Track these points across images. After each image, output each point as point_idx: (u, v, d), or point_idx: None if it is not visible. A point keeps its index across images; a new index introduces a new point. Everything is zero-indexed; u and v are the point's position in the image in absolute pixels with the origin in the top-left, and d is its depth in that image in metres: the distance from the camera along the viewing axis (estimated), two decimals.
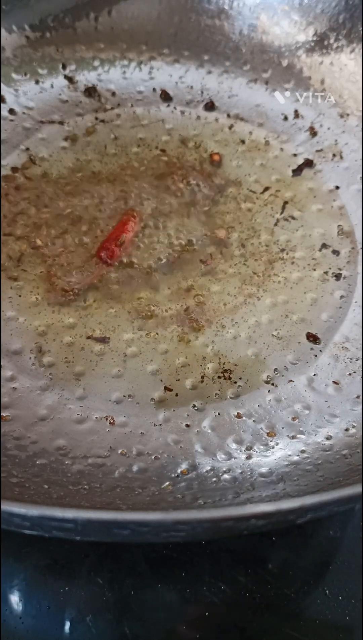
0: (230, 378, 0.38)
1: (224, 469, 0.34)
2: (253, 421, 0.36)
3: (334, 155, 0.50)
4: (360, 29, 0.51)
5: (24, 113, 0.50)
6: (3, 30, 0.51)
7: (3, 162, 0.47)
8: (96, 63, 0.53)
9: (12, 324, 0.39)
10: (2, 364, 0.37)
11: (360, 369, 0.39)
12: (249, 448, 0.35)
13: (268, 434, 0.36)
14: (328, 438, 0.35)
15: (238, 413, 0.36)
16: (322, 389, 0.38)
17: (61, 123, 0.50)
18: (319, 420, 0.36)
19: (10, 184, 0.46)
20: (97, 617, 0.33)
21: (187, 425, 0.36)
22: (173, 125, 0.51)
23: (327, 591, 0.35)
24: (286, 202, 0.47)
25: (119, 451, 0.34)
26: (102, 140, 0.49)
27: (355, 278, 0.43)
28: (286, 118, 0.52)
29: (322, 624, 0.34)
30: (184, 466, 0.34)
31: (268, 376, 0.38)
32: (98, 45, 0.53)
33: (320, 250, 0.44)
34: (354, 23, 0.51)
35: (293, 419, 0.36)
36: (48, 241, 0.43)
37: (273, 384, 0.38)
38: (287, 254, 0.44)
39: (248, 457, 0.35)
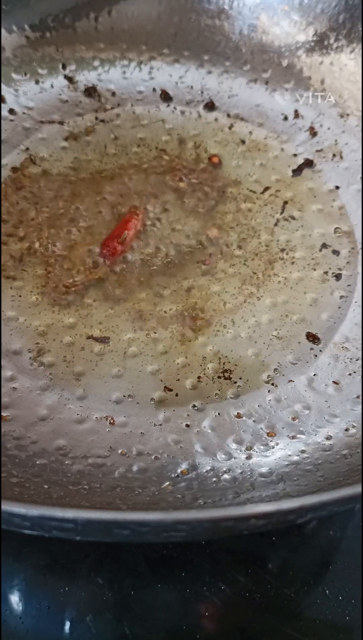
0: (230, 378, 0.38)
1: (224, 469, 0.34)
2: (253, 421, 0.36)
3: (334, 155, 0.50)
4: (360, 29, 0.51)
5: (24, 113, 0.50)
6: (3, 30, 0.51)
7: (3, 162, 0.47)
8: (96, 63, 0.53)
9: (12, 324, 0.39)
10: (2, 364, 0.37)
11: (360, 369, 0.39)
12: (249, 448, 0.35)
13: (268, 434, 0.36)
14: (328, 438, 0.35)
15: (238, 413, 0.36)
16: (322, 389, 0.38)
17: (61, 123, 0.50)
18: (319, 420, 0.36)
19: (10, 184, 0.46)
20: (97, 617, 0.33)
21: (187, 425, 0.36)
22: (173, 125, 0.51)
23: (327, 591, 0.35)
24: (286, 202, 0.47)
25: (119, 451, 0.34)
26: (102, 140, 0.49)
27: (355, 278, 0.43)
28: (286, 118, 0.52)
29: (322, 624, 0.34)
30: (184, 466, 0.34)
31: (268, 376, 0.38)
32: (98, 45, 0.53)
33: (320, 250, 0.44)
34: (354, 23, 0.51)
35: (293, 419, 0.36)
36: (48, 241, 0.43)
37: (273, 384, 0.38)
38: (287, 254, 0.44)
39: (248, 457, 0.35)
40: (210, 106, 0.52)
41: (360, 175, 0.48)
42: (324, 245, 0.45)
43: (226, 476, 0.33)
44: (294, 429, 0.36)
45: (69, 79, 0.52)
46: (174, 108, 0.52)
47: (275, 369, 0.38)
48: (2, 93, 0.50)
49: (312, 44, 0.53)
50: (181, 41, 0.54)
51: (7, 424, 0.35)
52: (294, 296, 0.42)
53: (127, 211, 0.44)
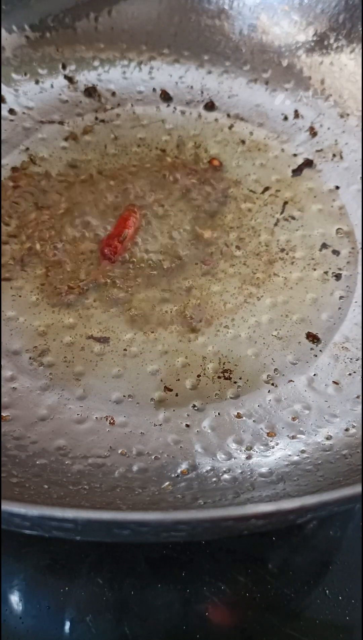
0: (230, 378, 0.38)
1: (224, 469, 0.34)
2: (253, 421, 0.36)
3: (334, 155, 0.50)
4: (360, 29, 0.51)
5: (24, 113, 0.50)
6: (3, 30, 0.51)
7: (3, 162, 0.47)
8: (96, 63, 0.53)
9: (12, 324, 0.39)
10: (2, 364, 0.37)
11: (360, 369, 0.39)
12: (249, 448, 0.35)
13: (268, 434, 0.36)
14: (328, 438, 0.35)
15: (238, 413, 0.36)
16: (322, 389, 0.38)
17: (61, 123, 0.50)
18: (319, 420, 0.36)
19: (11, 184, 0.46)
20: (97, 617, 0.33)
21: (187, 425, 0.36)
22: (173, 125, 0.51)
23: (327, 591, 0.35)
24: (286, 202, 0.47)
25: (119, 451, 0.34)
26: (102, 140, 0.49)
27: (355, 278, 0.43)
28: (286, 118, 0.52)
29: (322, 624, 0.34)
30: (184, 466, 0.34)
31: (268, 376, 0.38)
32: (98, 45, 0.53)
33: (320, 250, 0.44)
34: (354, 23, 0.51)
35: (293, 419, 0.36)
36: (48, 241, 0.43)
37: (273, 384, 0.38)
38: (287, 254, 0.44)
39: (248, 457, 0.35)
40: (210, 106, 0.52)
41: (360, 175, 0.48)
42: (324, 245, 0.45)
43: (226, 476, 0.33)
44: (294, 429, 0.36)
45: (69, 79, 0.52)
46: (174, 108, 0.52)
47: (275, 369, 0.38)
48: (2, 93, 0.50)
49: (312, 44, 0.53)
50: (181, 41, 0.54)
51: (7, 424, 0.35)
52: (294, 296, 0.42)
53: (125, 209, 0.44)
